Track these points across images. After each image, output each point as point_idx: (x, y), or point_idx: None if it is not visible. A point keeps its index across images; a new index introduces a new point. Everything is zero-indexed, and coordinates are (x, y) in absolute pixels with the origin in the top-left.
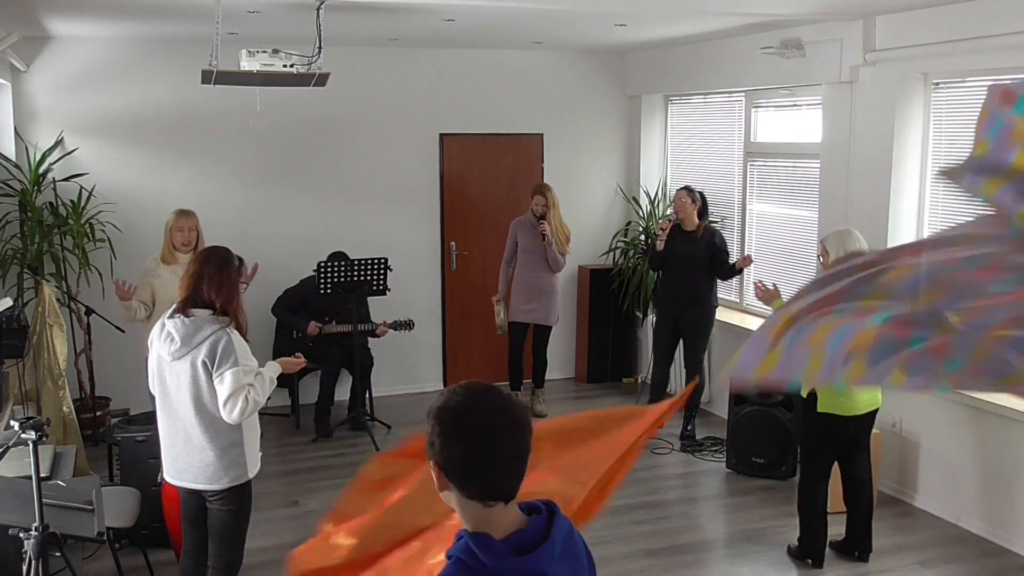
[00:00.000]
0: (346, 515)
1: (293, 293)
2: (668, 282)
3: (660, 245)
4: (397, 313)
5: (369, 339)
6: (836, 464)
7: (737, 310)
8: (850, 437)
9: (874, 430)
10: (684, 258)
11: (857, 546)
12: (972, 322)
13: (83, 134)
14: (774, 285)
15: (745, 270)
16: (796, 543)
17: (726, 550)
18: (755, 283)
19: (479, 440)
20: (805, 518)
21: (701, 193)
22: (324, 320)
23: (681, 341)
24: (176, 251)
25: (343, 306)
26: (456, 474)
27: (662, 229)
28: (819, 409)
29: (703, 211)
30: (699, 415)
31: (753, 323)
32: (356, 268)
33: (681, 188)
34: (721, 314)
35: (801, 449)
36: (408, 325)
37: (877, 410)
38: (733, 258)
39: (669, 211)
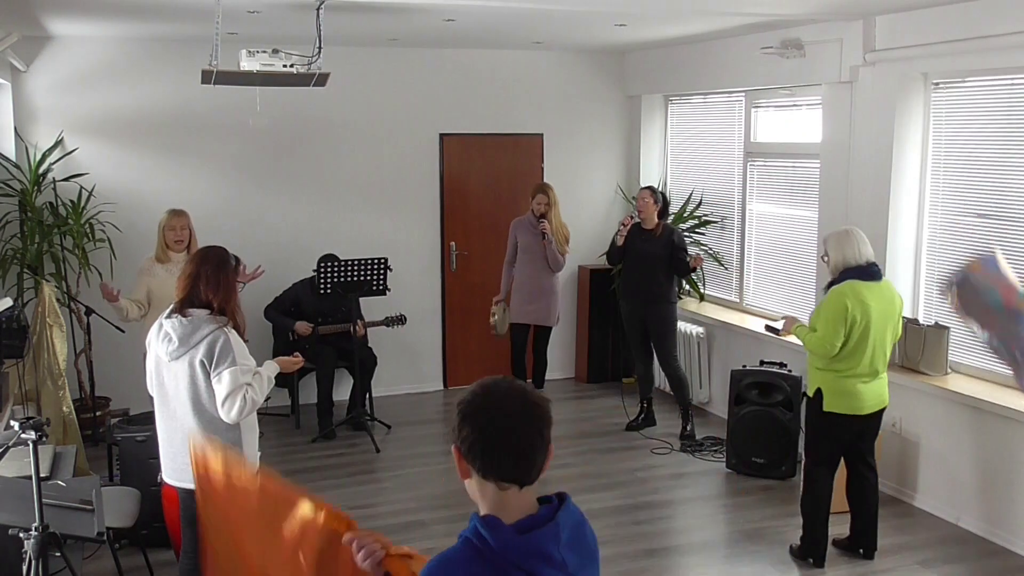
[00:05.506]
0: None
1: (284, 297)
2: (629, 278)
3: (620, 240)
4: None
5: (370, 337)
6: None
7: (737, 310)
8: (856, 436)
9: None
10: (643, 255)
11: (862, 543)
12: None
13: (83, 134)
14: (786, 318)
15: (749, 274)
16: (798, 543)
17: (726, 550)
18: (765, 326)
19: (491, 421)
20: (809, 518)
21: (663, 194)
22: (317, 321)
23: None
24: (170, 250)
25: (337, 308)
26: (473, 454)
27: (623, 225)
28: (825, 408)
29: (663, 211)
30: (699, 415)
31: (753, 323)
32: (356, 268)
33: (645, 187)
34: (721, 314)
35: (807, 449)
36: (400, 320)
37: (884, 409)
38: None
39: (631, 209)
